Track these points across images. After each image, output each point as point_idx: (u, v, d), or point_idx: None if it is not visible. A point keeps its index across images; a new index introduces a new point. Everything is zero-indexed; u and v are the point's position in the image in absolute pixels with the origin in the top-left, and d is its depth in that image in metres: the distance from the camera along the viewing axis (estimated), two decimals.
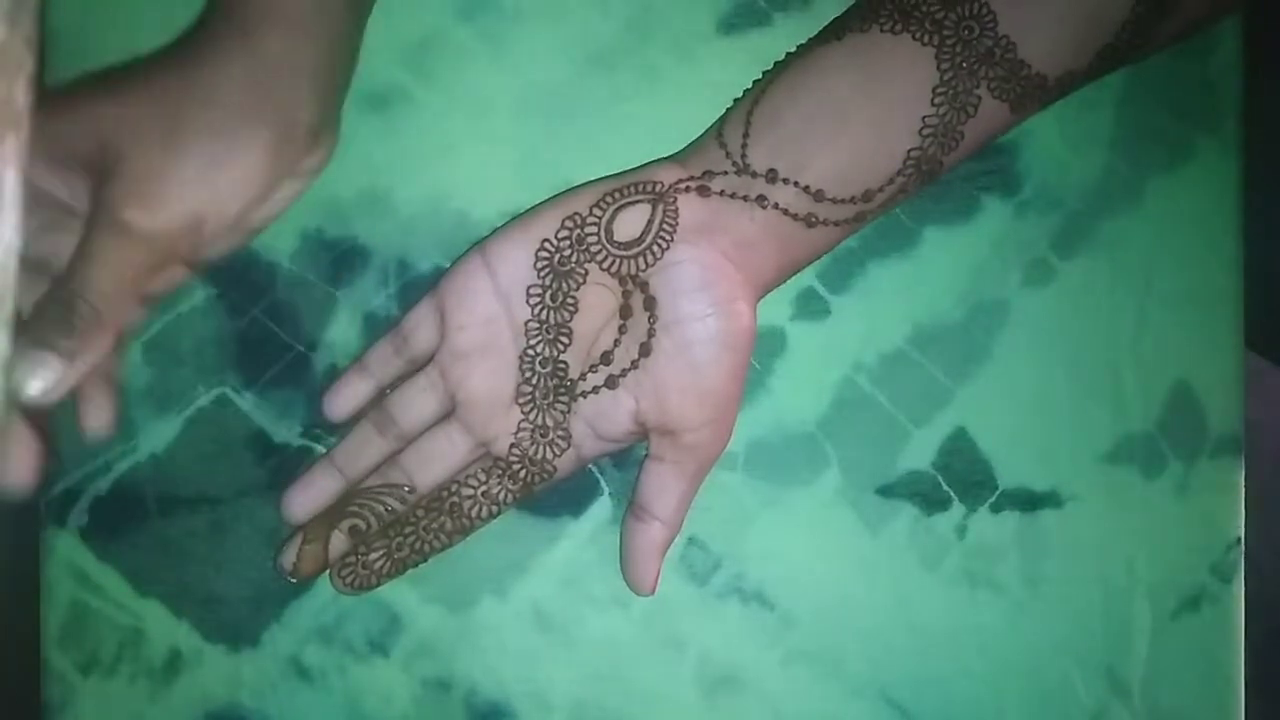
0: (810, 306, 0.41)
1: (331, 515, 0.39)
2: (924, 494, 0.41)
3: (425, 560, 0.39)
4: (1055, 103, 0.37)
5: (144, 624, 0.40)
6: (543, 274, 0.37)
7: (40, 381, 0.32)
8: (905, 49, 0.35)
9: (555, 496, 0.40)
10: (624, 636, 0.41)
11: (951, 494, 0.41)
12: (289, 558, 0.38)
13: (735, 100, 0.37)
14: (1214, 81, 0.42)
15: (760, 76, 0.37)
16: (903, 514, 0.41)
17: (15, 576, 0.41)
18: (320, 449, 0.40)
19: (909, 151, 0.35)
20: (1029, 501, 0.41)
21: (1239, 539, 0.41)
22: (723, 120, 0.37)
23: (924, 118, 0.35)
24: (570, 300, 0.37)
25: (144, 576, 0.40)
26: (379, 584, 0.38)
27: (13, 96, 0.25)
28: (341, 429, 0.40)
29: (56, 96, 0.34)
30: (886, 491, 0.41)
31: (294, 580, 0.38)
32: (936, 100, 0.35)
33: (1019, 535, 0.41)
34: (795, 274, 0.38)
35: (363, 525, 0.38)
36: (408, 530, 0.38)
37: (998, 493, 0.41)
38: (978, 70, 0.34)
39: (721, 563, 0.41)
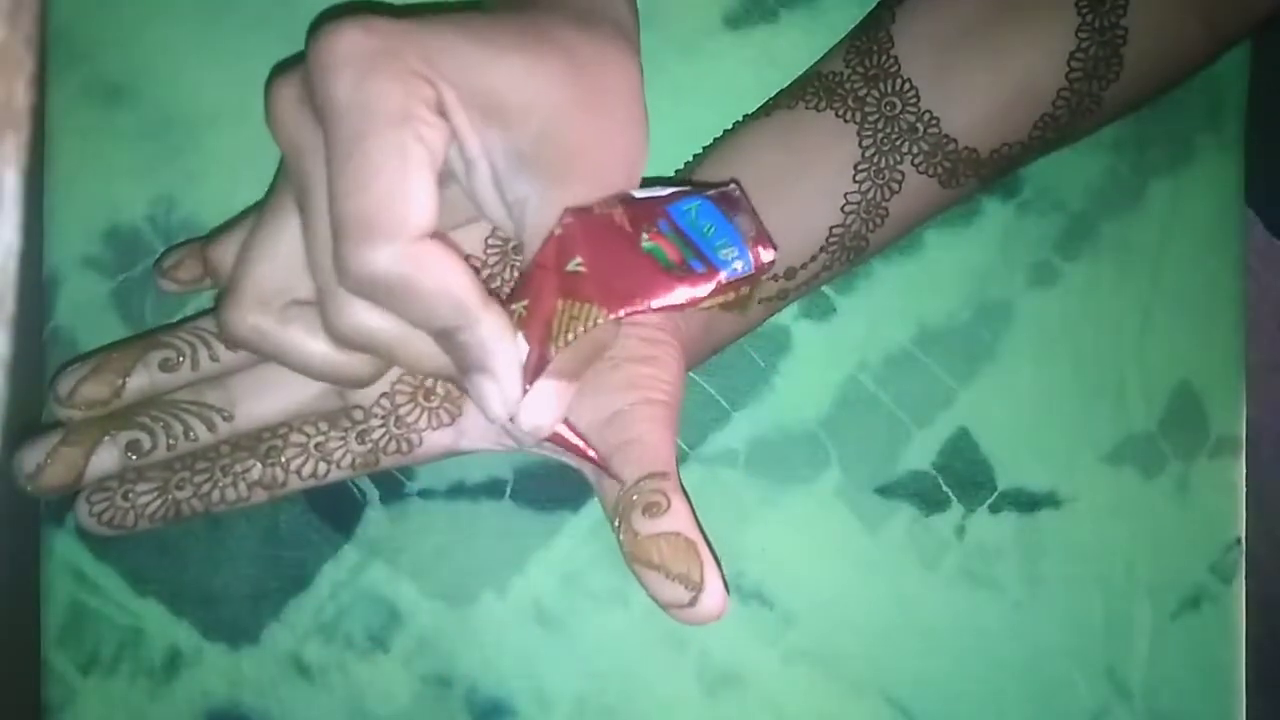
0: (816, 306, 0.41)
1: (111, 419, 0.30)
2: (922, 494, 0.41)
3: (207, 514, 0.31)
4: (1006, 176, 0.36)
5: (143, 623, 0.40)
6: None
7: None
8: (828, 126, 0.34)
9: (553, 491, 0.40)
10: (624, 633, 0.41)
11: (950, 494, 0.41)
12: (32, 457, 0.30)
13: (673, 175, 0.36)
14: (1216, 81, 0.42)
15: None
16: (901, 513, 0.41)
17: (14, 576, 0.40)
18: None
19: (831, 228, 0.35)
20: (1028, 502, 0.41)
21: (1239, 539, 0.41)
22: None
23: (846, 194, 0.34)
24: None
25: (143, 575, 0.40)
26: (136, 528, 0.31)
27: (13, 96, 0.25)
28: None
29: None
30: (886, 491, 0.41)
31: (29, 490, 0.30)
32: (859, 177, 0.34)
33: (1018, 535, 0.41)
34: (716, 354, 0.37)
35: (146, 443, 0.30)
36: (200, 466, 0.31)
37: (996, 493, 0.41)
38: (900, 146, 0.34)
39: (720, 560, 0.41)
